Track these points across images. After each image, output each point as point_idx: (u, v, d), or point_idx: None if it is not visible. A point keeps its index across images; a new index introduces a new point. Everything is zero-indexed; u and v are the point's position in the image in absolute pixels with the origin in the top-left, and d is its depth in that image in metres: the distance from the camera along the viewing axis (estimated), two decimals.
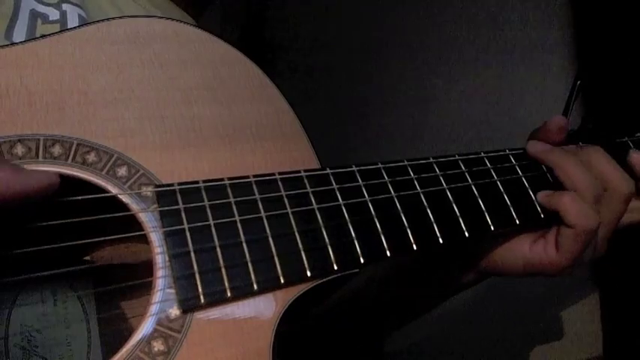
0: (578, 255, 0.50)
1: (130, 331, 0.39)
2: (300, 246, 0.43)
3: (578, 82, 0.60)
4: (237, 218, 0.42)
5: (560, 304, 1.05)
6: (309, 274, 0.43)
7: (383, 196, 0.47)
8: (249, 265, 0.41)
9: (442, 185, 0.50)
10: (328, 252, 0.44)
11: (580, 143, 0.58)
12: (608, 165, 0.52)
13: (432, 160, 0.51)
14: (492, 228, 0.49)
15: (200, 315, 0.40)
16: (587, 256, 0.53)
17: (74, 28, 0.46)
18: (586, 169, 0.52)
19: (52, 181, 0.38)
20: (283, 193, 0.45)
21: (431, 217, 0.48)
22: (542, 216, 0.52)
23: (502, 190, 0.52)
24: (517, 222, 0.51)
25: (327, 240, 0.44)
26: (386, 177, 0.48)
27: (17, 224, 0.38)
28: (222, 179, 0.44)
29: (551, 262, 0.51)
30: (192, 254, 0.40)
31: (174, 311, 0.39)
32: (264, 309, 0.41)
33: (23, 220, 0.38)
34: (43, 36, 0.45)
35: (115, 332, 0.44)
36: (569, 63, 1.06)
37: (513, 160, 0.54)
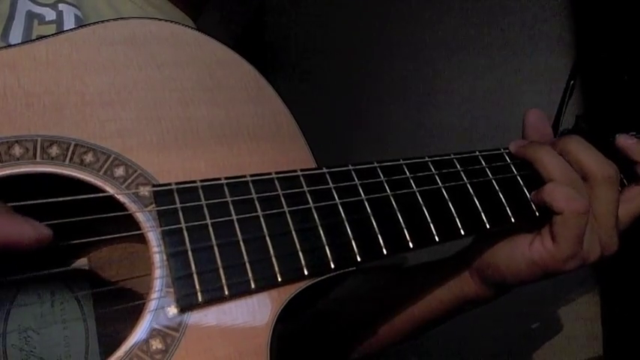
0: (575, 241, 0.50)
1: (127, 331, 0.39)
2: (297, 245, 0.43)
3: (572, 82, 0.61)
4: (234, 217, 0.43)
5: (561, 304, 1.05)
6: (306, 272, 0.43)
7: (379, 195, 0.47)
8: (247, 263, 0.41)
9: (438, 184, 0.50)
10: (325, 251, 0.44)
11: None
12: (584, 151, 0.52)
13: (427, 159, 0.51)
14: (488, 226, 0.50)
15: (198, 313, 0.40)
16: (594, 252, 0.52)
17: (71, 29, 0.46)
18: (559, 158, 0.52)
19: (42, 236, 0.36)
20: (280, 192, 0.45)
21: (427, 215, 0.48)
22: (537, 214, 0.52)
23: (497, 188, 0.52)
24: (512, 220, 0.51)
25: (323, 239, 0.44)
26: (382, 176, 0.49)
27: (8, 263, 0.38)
28: (219, 179, 0.44)
29: (551, 255, 0.51)
30: (190, 253, 0.41)
31: (172, 310, 0.39)
32: (261, 307, 0.42)
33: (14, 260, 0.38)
34: (40, 37, 0.45)
35: (113, 332, 0.45)
36: (569, 63, 1.06)
37: (508, 159, 0.54)
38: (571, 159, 0.52)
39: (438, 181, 0.50)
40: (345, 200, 0.46)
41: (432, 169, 0.51)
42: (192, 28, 0.50)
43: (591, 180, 0.51)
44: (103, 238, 0.42)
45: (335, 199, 0.46)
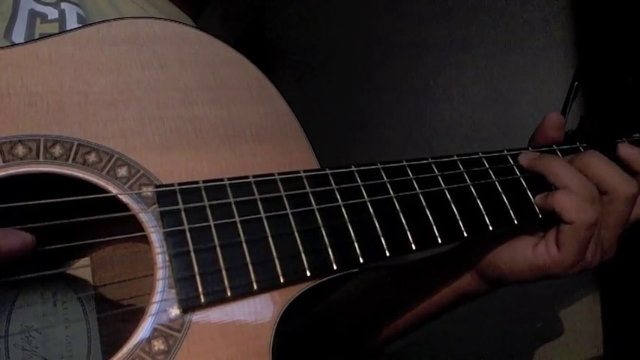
0: (580, 251, 0.50)
1: (129, 331, 0.39)
2: (300, 246, 0.43)
3: (576, 83, 0.60)
4: (237, 218, 0.43)
5: (560, 304, 1.05)
6: (308, 273, 0.43)
7: (382, 197, 0.47)
8: (249, 265, 0.41)
9: (441, 185, 0.50)
10: (328, 252, 0.44)
11: (578, 143, 0.58)
12: (606, 167, 0.52)
13: (430, 160, 0.51)
14: (491, 228, 0.50)
15: (200, 314, 0.40)
16: (595, 259, 0.53)
17: (74, 29, 0.46)
18: (575, 170, 0.52)
19: (25, 243, 0.37)
20: (283, 193, 0.45)
21: (429, 217, 0.48)
22: (540, 216, 0.52)
23: (500, 190, 0.52)
24: (515, 222, 0.51)
25: (326, 240, 0.44)
26: (385, 177, 0.48)
27: None
28: (222, 179, 0.44)
29: (555, 261, 0.51)
30: (193, 254, 0.41)
31: (175, 311, 0.39)
32: (263, 309, 0.42)
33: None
34: (43, 37, 0.45)
35: (115, 332, 0.45)
36: (569, 63, 1.06)
37: (511, 161, 0.54)
38: (591, 173, 0.52)
39: (441, 182, 0.50)
40: (348, 202, 0.46)
41: (435, 171, 0.51)
42: (195, 27, 0.50)
43: (612, 195, 0.51)
44: (107, 239, 0.42)
45: (338, 201, 0.46)
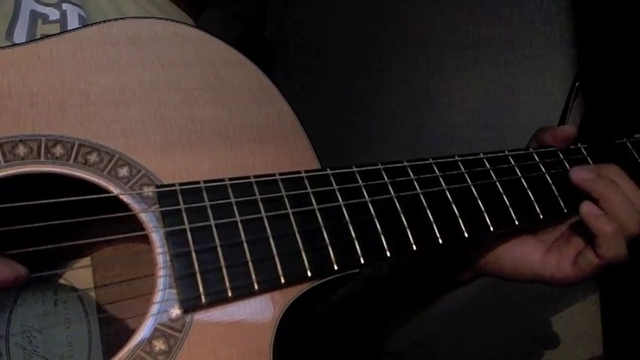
0: (592, 276, 0.51)
1: (130, 331, 0.39)
2: (301, 246, 0.43)
3: (577, 84, 0.60)
4: (237, 218, 0.43)
5: (560, 304, 1.05)
6: (309, 274, 0.43)
7: (383, 197, 0.47)
8: (250, 265, 0.41)
9: (442, 186, 0.50)
10: (328, 252, 0.44)
11: (579, 144, 0.58)
12: (629, 186, 0.52)
13: (431, 160, 0.51)
14: (492, 229, 0.50)
15: (201, 315, 0.40)
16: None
17: (75, 29, 0.46)
18: (631, 204, 0.50)
19: (18, 275, 0.37)
20: (284, 193, 0.45)
21: (430, 217, 0.48)
22: (541, 217, 0.52)
23: (501, 191, 0.52)
24: (516, 223, 0.51)
25: (327, 240, 0.44)
26: (386, 178, 0.49)
27: None
28: (222, 179, 0.44)
29: (562, 277, 0.52)
30: (193, 254, 0.41)
31: (176, 311, 0.39)
32: (264, 309, 0.42)
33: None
34: (44, 37, 0.45)
35: (116, 332, 0.45)
36: (569, 63, 1.06)
37: (512, 161, 0.54)
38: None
39: (442, 183, 0.50)
40: (348, 202, 0.46)
41: (436, 171, 0.51)
42: (196, 27, 0.50)
43: None
44: (107, 238, 0.42)
45: (339, 201, 0.46)
